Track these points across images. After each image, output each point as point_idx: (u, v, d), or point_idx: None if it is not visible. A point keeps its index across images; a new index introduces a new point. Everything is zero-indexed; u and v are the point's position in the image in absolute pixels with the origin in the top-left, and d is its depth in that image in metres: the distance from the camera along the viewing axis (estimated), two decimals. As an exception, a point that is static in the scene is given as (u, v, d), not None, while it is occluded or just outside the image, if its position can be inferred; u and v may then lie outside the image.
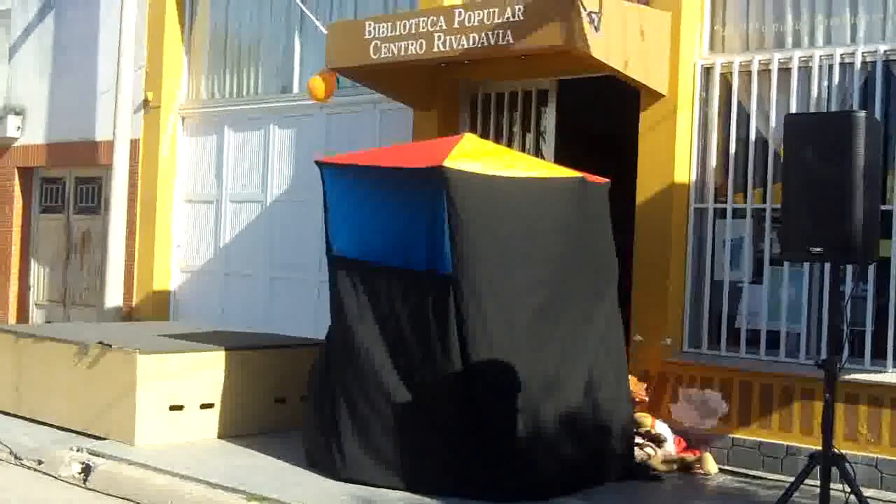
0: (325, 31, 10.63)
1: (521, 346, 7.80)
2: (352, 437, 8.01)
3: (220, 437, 9.46)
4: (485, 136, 10.83)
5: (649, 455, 8.85)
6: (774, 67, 9.22)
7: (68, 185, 16.80)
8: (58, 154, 16.41)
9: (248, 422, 9.62)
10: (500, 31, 9.06)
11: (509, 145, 10.79)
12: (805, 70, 9.10)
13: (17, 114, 17.06)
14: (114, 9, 14.83)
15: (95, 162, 15.55)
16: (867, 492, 7.41)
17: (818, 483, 6.56)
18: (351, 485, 7.83)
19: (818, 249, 6.00)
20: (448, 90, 11.14)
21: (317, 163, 8.67)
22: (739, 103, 9.48)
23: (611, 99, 10.42)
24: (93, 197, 16.32)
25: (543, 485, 7.63)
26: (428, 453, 7.73)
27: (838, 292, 6.54)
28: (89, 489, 8.32)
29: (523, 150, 10.79)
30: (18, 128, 16.98)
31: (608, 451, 8.28)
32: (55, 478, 8.62)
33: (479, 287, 7.76)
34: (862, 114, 6.26)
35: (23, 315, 17.15)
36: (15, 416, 10.29)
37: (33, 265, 17.29)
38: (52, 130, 16.51)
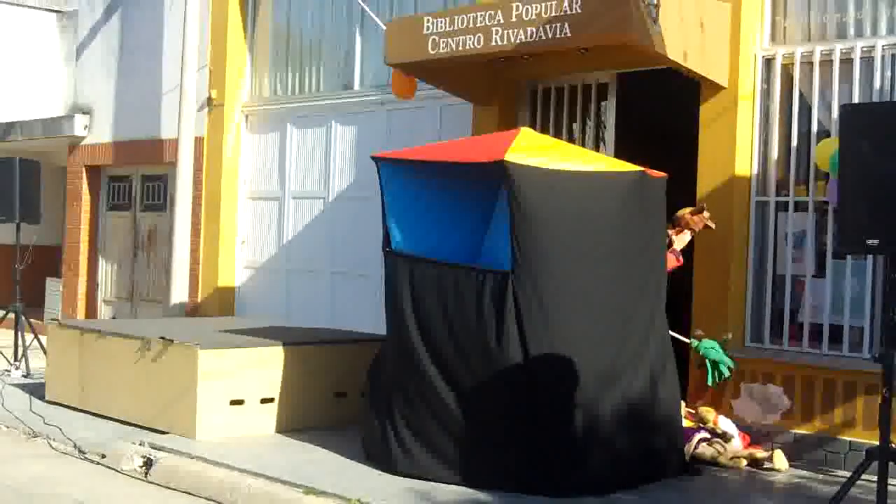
0: (384, 28, 10.66)
1: (581, 342, 7.75)
2: (408, 431, 8.02)
3: (279, 431, 9.51)
4: (545, 130, 10.81)
5: (719, 452, 8.75)
6: (836, 58, 9.09)
7: (135, 182, 17.03)
8: (124, 152, 16.64)
9: (308, 416, 9.67)
10: (558, 25, 9.01)
11: (570, 140, 10.74)
12: (867, 60, 8.96)
13: (84, 113, 17.32)
14: (178, 9, 15.01)
15: (161, 160, 15.74)
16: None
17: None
18: (408, 479, 7.83)
19: (874, 241, 5.90)
20: (507, 85, 11.12)
21: (373, 158, 8.69)
22: (801, 95, 9.36)
23: (672, 92, 10.34)
24: (159, 194, 16.53)
25: (600, 481, 7.58)
26: (484, 448, 7.72)
27: (894, 285, 6.42)
28: (150, 482, 8.40)
29: (583, 144, 10.75)
30: (86, 127, 17.24)
31: (667, 448, 8.20)
32: (117, 471, 8.71)
33: (539, 282, 7.72)
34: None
35: (91, 312, 17.40)
36: (80, 410, 10.42)
37: (101, 262, 17.53)
38: (118, 129, 16.75)
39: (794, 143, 9.37)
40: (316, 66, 14.11)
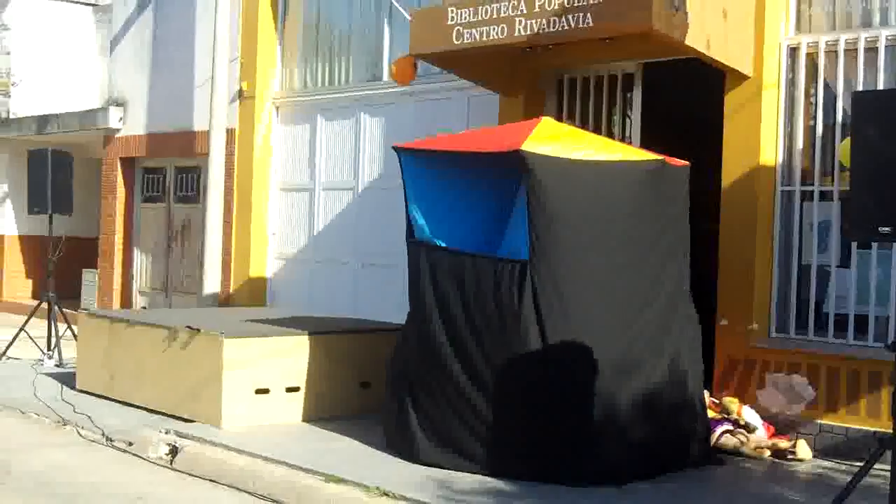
0: (409, 18, 10.68)
1: (600, 331, 7.75)
2: (428, 420, 8.07)
3: (304, 420, 9.57)
4: (570, 120, 10.82)
5: (742, 442, 8.74)
6: (861, 47, 9.03)
7: (168, 174, 17.16)
8: (158, 144, 16.77)
9: (333, 405, 9.73)
10: (580, 15, 8.99)
11: (595, 130, 10.72)
12: (893, 49, 8.90)
13: (118, 105, 17.47)
14: (209, 2, 15.10)
15: (193, 152, 15.85)
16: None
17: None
18: (428, 468, 7.88)
19: (886, 229, 5.86)
20: (532, 75, 11.12)
21: (394, 148, 8.72)
22: (826, 84, 9.30)
23: (697, 81, 10.31)
24: (192, 186, 16.66)
25: (618, 469, 7.58)
26: (502, 436, 7.74)
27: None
28: (174, 470, 8.48)
29: (610, 134, 10.73)
30: (120, 119, 17.39)
31: (687, 437, 8.19)
32: (144, 459, 8.80)
33: (557, 271, 7.74)
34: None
35: (126, 302, 17.57)
36: (109, 399, 10.54)
37: (136, 254, 17.69)
38: (152, 121, 16.88)
39: (819, 132, 9.31)
40: (345, 58, 14.17)
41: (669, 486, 7.62)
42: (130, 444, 9.11)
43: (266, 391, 9.47)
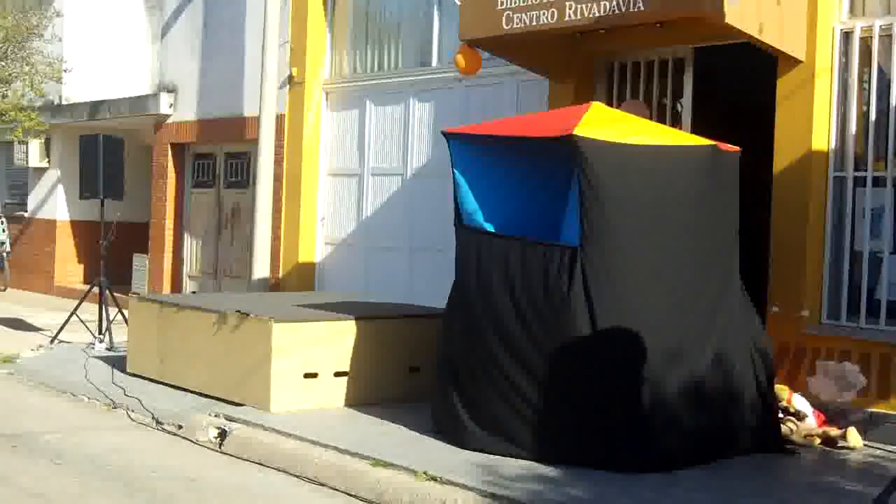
0: (459, 4, 10.65)
1: (649, 318, 7.70)
2: (475, 405, 8.05)
3: (353, 404, 9.59)
4: (621, 105, 10.73)
5: (791, 430, 8.66)
6: (916, 30, 8.93)
7: (218, 160, 17.26)
8: (208, 130, 16.87)
9: (382, 390, 9.75)
10: (632, -1, 8.94)
11: (648, 115, 10.64)
12: (949, 32, 8.79)
13: (169, 92, 17.59)
14: (259, -12, 15.14)
15: (243, 137, 15.94)
16: None
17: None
18: (476, 453, 7.86)
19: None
20: (583, 60, 11.07)
21: (444, 133, 8.70)
22: (880, 68, 9.19)
23: (749, 66, 10.22)
24: (242, 171, 16.74)
25: (666, 456, 7.54)
26: (550, 423, 7.71)
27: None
28: (224, 453, 8.54)
29: (660, 120, 10.65)
30: (171, 105, 17.51)
31: (737, 424, 8.12)
32: (193, 442, 8.87)
33: (608, 257, 7.69)
34: None
35: (176, 287, 17.71)
36: (159, 382, 10.61)
37: (186, 239, 17.82)
38: (202, 107, 16.98)
39: (873, 117, 9.22)
40: (394, 44, 14.18)
41: (720, 473, 7.57)
42: (180, 427, 9.19)
43: (315, 375, 9.50)
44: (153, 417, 9.49)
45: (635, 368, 7.59)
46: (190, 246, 17.81)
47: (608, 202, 7.70)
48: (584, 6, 9.22)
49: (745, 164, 8.52)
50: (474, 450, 7.93)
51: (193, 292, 17.03)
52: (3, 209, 21.87)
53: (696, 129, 10.09)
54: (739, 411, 8.10)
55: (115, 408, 9.98)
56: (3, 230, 20.91)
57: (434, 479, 7.21)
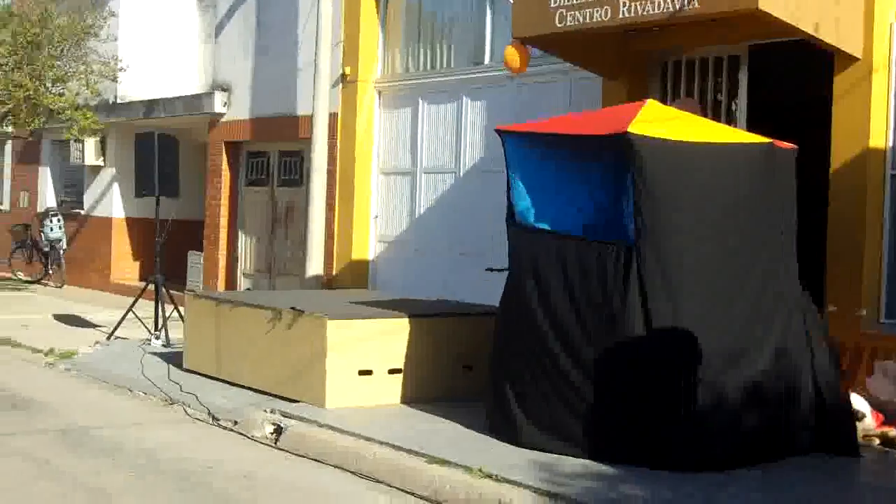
0: (511, 1, 10.65)
1: (705, 317, 7.66)
2: (530, 403, 8.05)
3: (407, 402, 9.61)
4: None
5: (849, 431, 8.60)
6: (976, 26, 8.83)
7: (272, 158, 17.36)
8: (261, 128, 16.97)
9: (436, 388, 9.77)
10: (685, -4, 8.91)
11: (701, 113, 10.60)
12: None
13: (223, 90, 17.71)
14: (313, -13, 15.21)
15: (297, 136, 16.02)
16: None
17: None
18: (530, 451, 7.86)
19: None
20: (637, 57, 11.04)
21: (497, 131, 8.71)
22: (939, 64, 9.11)
23: (805, 63, 10.15)
24: (295, 170, 16.83)
25: (723, 457, 7.50)
26: (606, 421, 7.70)
27: None
28: (279, 449, 8.59)
29: (715, 118, 10.60)
30: (225, 104, 17.63)
31: (796, 425, 8.05)
32: (249, 438, 8.93)
33: (663, 256, 7.67)
34: None
35: (230, 285, 17.83)
36: (215, 378, 10.70)
37: (240, 236, 17.94)
38: (256, 106, 17.09)
39: (932, 113, 9.14)
40: (447, 42, 14.21)
41: (777, 473, 7.52)
42: (236, 423, 9.26)
43: (369, 372, 9.54)
44: (209, 413, 9.57)
45: (691, 368, 7.55)
46: (244, 243, 17.93)
47: (663, 200, 7.68)
48: (637, 3, 9.21)
49: (801, 162, 8.46)
50: (528, 447, 7.93)
51: (248, 289, 17.15)
52: (59, 207, 22.13)
53: (751, 127, 10.03)
54: (799, 412, 8.03)
55: (171, 403, 10.08)
56: (60, 227, 21.14)
57: (490, 476, 7.22)
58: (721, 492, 6.97)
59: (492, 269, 9.54)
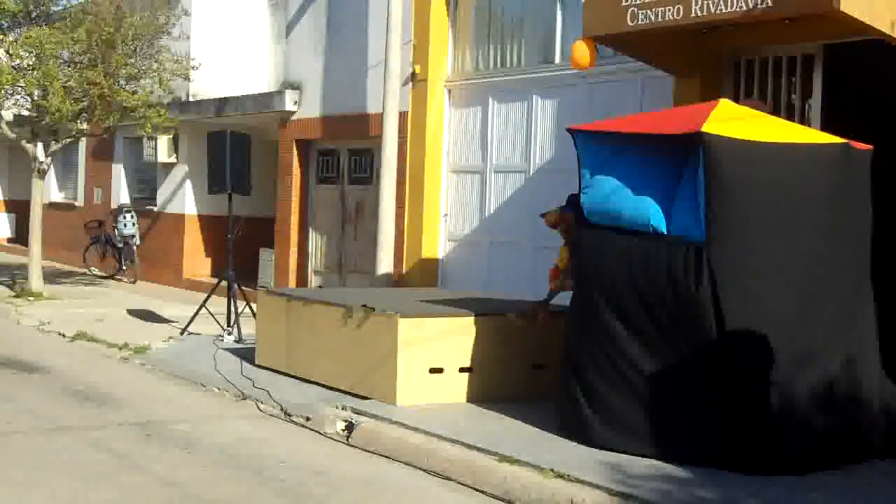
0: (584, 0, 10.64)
1: (778, 318, 7.61)
2: (601, 403, 8.05)
3: (477, 400, 9.64)
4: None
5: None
6: None
7: (342, 156, 17.46)
8: (332, 127, 17.08)
9: (506, 387, 9.79)
10: (760, -6, 8.85)
11: (774, 112, 10.51)
12: None
13: (294, 89, 17.85)
14: (383, -14, 15.28)
15: (367, 134, 16.09)
16: None
17: None
18: (601, 451, 7.88)
19: None
20: (709, 56, 10.96)
21: (568, 129, 8.72)
22: None
23: (882, 62, 10.03)
24: (365, 168, 16.92)
25: (797, 459, 7.45)
26: (678, 422, 7.68)
27: None
28: (351, 446, 8.68)
29: (789, 118, 10.51)
30: (295, 102, 17.76)
31: (869, 428, 7.98)
32: (321, 434, 9.03)
33: (736, 256, 7.63)
34: None
35: (301, 282, 17.96)
36: (287, 374, 10.82)
37: (311, 234, 18.06)
38: (326, 104, 17.20)
39: None
40: (517, 41, 14.21)
41: (856, 477, 7.46)
42: (308, 419, 9.35)
43: (440, 370, 9.59)
44: (281, 409, 9.68)
45: (763, 369, 7.51)
46: (314, 241, 18.06)
47: (736, 200, 7.64)
48: (710, 2, 9.16)
49: (878, 164, 8.36)
50: (599, 447, 7.95)
51: (319, 286, 17.28)
52: (132, 203, 22.43)
53: (826, 128, 9.93)
54: (871, 415, 7.96)
55: (244, 399, 10.20)
56: (133, 224, 21.43)
57: (561, 476, 7.24)
58: (795, 497, 6.92)
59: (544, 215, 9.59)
